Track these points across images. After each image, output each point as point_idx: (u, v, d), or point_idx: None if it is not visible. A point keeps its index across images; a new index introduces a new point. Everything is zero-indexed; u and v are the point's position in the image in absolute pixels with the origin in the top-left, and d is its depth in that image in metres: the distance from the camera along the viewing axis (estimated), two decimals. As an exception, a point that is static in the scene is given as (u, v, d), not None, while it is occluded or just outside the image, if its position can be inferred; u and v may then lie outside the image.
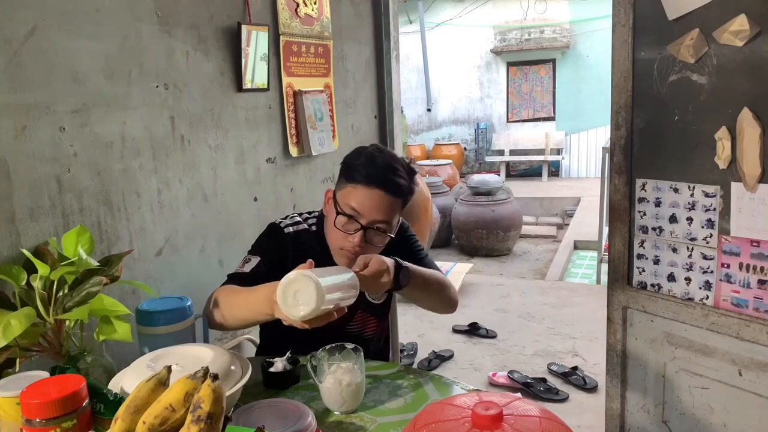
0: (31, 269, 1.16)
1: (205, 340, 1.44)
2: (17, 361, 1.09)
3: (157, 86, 1.65)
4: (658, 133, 1.62)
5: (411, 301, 1.48)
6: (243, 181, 2.01)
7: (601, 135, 9.54)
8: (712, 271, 1.56)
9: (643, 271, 1.73)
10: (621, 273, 1.77)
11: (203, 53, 1.80)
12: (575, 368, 2.99)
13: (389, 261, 1.27)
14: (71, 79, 1.41)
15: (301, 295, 1.04)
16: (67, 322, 1.13)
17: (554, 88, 10.21)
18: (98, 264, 1.23)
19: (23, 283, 1.16)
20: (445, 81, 10.84)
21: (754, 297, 1.49)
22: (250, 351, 1.91)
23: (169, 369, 0.86)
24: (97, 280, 1.17)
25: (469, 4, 10.22)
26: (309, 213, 1.53)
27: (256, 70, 2.00)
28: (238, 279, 1.36)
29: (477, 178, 6.29)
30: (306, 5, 2.25)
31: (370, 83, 2.80)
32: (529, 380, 2.89)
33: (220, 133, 1.89)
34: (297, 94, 2.23)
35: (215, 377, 0.77)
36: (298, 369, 1.29)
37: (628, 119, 1.68)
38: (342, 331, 1.47)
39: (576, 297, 4.17)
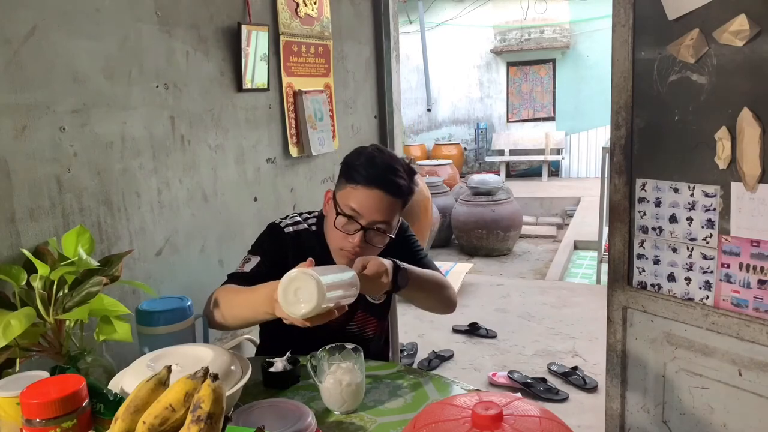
0: (31, 269, 1.16)
1: (205, 340, 1.44)
2: (17, 361, 1.09)
3: (157, 86, 1.65)
4: (658, 133, 1.62)
5: (410, 302, 1.48)
6: (243, 181, 2.01)
7: (601, 135, 9.54)
8: (712, 271, 1.56)
9: (643, 271, 1.73)
10: (621, 273, 1.77)
11: (203, 53, 1.80)
12: (575, 368, 2.99)
13: (387, 262, 1.27)
14: (71, 79, 1.41)
15: (302, 292, 1.04)
16: (67, 322, 1.13)
17: (554, 88, 10.21)
18: (98, 264, 1.23)
19: (23, 283, 1.16)
20: (445, 81, 10.84)
21: (754, 297, 1.49)
22: (250, 351, 1.91)
23: (169, 369, 0.86)
24: (97, 280, 1.17)
25: (469, 4, 10.22)
26: (309, 213, 1.53)
27: (256, 70, 2.00)
28: (238, 279, 1.36)
29: (477, 178, 6.29)
30: (306, 5, 2.25)
31: (370, 83, 2.80)
32: (529, 380, 2.89)
33: (220, 133, 1.89)
34: (297, 94, 2.23)
35: (215, 377, 0.77)
36: (298, 369, 1.29)
37: (628, 119, 1.68)
38: (342, 332, 1.47)
39: (576, 297, 4.17)
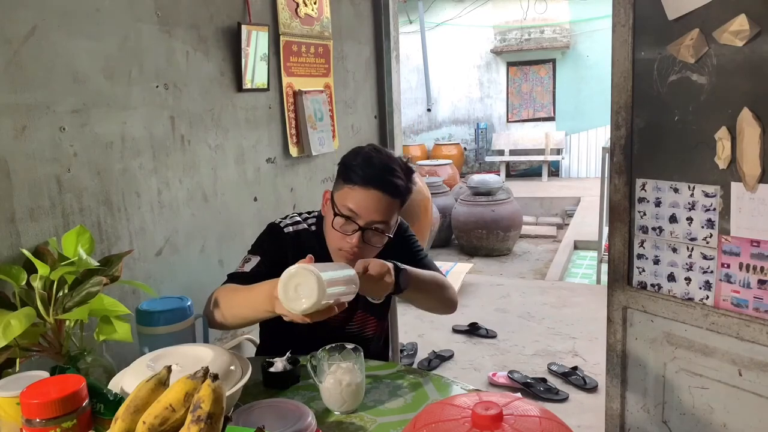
0: (31, 269, 1.16)
1: (205, 340, 1.44)
2: (17, 361, 1.09)
3: (157, 86, 1.65)
4: (658, 133, 1.62)
5: (411, 303, 1.48)
6: (243, 181, 2.01)
7: (601, 135, 9.54)
8: (712, 271, 1.56)
9: (643, 271, 1.73)
10: (621, 273, 1.77)
11: (203, 53, 1.80)
12: (575, 368, 2.99)
13: (389, 263, 1.27)
14: (71, 79, 1.41)
15: (303, 288, 1.04)
16: (67, 322, 1.13)
17: (554, 88, 10.21)
18: (98, 264, 1.23)
19: (23, 283, 1.16)
20: (445, 81, 10.84)
21: (754, 297, 1.49)
22: (250, 351, 1.92)
23: (169, 369, 0.86)
24: (97, 280, 1.17)
25: (469, 4, 10.22)
26: (308, 213, 1.53)
27: (256, 70, 2.00)
28: (238, 278, 1.36)
29: (477, 178, 6.29)
30: (306, 5, 2.25)
31: (370, 83, 2.80)
32: (529, 380, 2.89)
33: (220, 133, 1.89)
34: (297, 94, 2.23)
35: (215, 377, 0.77)
36: (298, 369, 1.29)
37: (628, 119, 1.68)
38: (342, 331, 1.47)
39: (576, 297, 4.17)
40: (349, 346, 1.21)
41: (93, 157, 1.47)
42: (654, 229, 1.68)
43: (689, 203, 1.58)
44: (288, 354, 1.30)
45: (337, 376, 1.14)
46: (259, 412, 1.05)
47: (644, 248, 1.71)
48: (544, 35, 10.02)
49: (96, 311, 1.11)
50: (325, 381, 1.14)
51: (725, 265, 1.53)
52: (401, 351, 3.31)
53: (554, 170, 10.19)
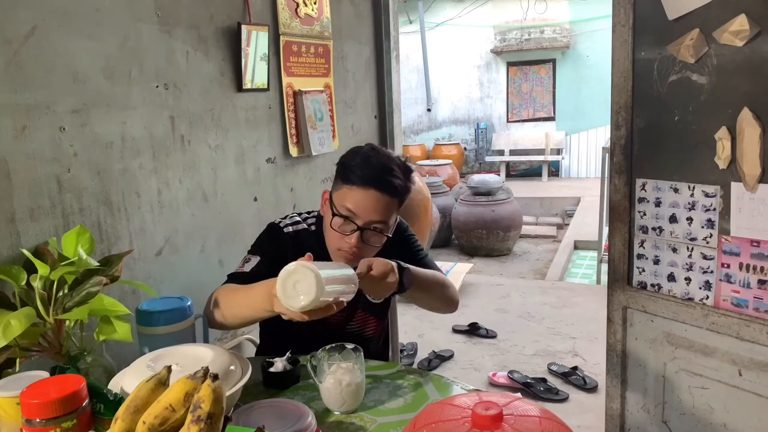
0: (31, 269, 1.16)
1: (205, 340, 1.44)
2: (17, 361, 1.09)
3: (157, 86, 1.65)
4: (658, 133, 1.62)
5: (413, 302, 1.47)
6: (243, 181, 2.01)
7: (601, 135, 9.53)
8: (712, 271, 1.56)
9: (643, 271, 1.73)
10: (621, 273, 1.77)
11: (203, 53, 1.80)
12: (575, 368, 2.99)
13: (392, 262, 1.27)
14: (71, 79, 1.41)
15: (301, 285, 1.04)
16: (67, 322, 1.13)
17: (554, 88, 10.21)
18: (98, 264, 1.23)
19: (23, 283, 1.16)
20: (445, 81, 10.84)
21: (754, 297, 1.49)
22: (250, 351, 1.92)
23: (169, 369, 0.86)
24: (97, 280, 1.17)
25: (469, 4, 10.22)
26: (308, 213, 1.53)
27: (256, 70, 2.00)
28: (238, 278, 1.36)
29: (477, 178, 6.29)
30: (306, 5, 2.25)
31: (370, 83, 2.80)
32: (529, 380, 2.89)
33: (220, 133, 1.89)
34: (297, 94, 2.23)
35: (215, 377, 0.77)
36: (298, 369, 1.29)
37: (628, 119, 1.68)
38: (342, 331, 1.47)
39: (576, 297, 4.17)
40: (349, 346, 1.21)
41: (93, 157, 1.47)
42: (654, 229, 1.68)
43: (689, 203, 1.58)
44: (288, 354, 1.30)
45: (337, 376, 1.14)
46: (259, 412, 1.05)
47: (644, 248, 1.71)
48: (544, 35, 10.01)
49: (96, 311, 1.11)
50: (325, 381, 1.14)
51: (725, 265, 1.53)
52: (401, 351, 3.31)
53: (554, 170, 10.18)
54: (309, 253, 1.13)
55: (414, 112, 11.02)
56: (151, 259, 1.65)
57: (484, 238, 6.03)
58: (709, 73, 1.48)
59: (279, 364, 1.27)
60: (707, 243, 1.56)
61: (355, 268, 1.21)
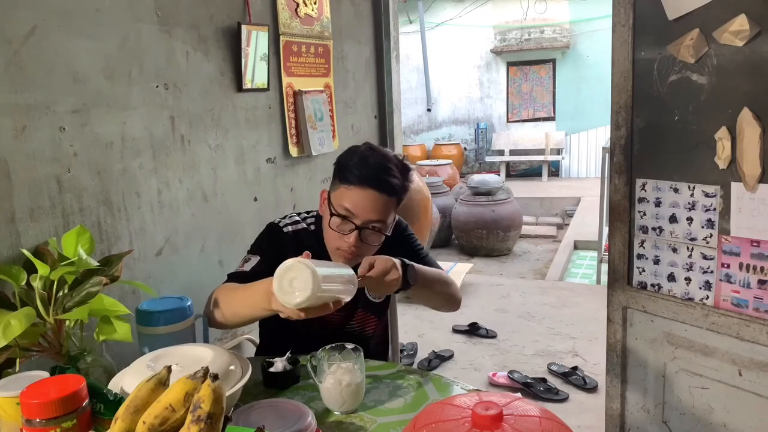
0: (31, 269, 1.16)
1: (205, 340, 1.44)
2: (17, 361, 1.09)
3: (157, 86, 1.65)
4: (658, 133, 1.62)
5: (416, 300, 1.47)
6: (243, 181, 2.01)
7: (601, 135, 9.53)
8: (712, 271, 1.56)
9: (643, 271, 1.73)
10: (621, 273, 1.77)
11: (203, 53, 1.80)
12: (575, 368, 2.99)
13: (395, 259, 1.27)
14: (71, 79, 1.41)
15: (297, 282, 1.04)
16: (67, 322, 1.13)
17: (554, 88, 10.21)
18: (98, 264, 1.23)
19: (23, 283, 1.16)
20: (445, 81, 10.84)
21: (754, 297, 1.49)
22: (250, 351, 1.92)
23: (169, 369, 0.86)
24: (97, 280, 1.17)
25: (469, 4, 10.22)
26: (307, 212, 1.53)
27: (256, 70, 2.00)
28: (238, 278, 1.36)
29: (477, 178, 6.29)
30: (306, 5, 2.25)
31: (370, 83, 2.80)
32: (529, 380, 2.89)
33: (220, 133, 1.89)
34: (297, 94, 2.23)
35: (215, 377, 0.77)
36: (298, 369, 1.29)
37: (628, 119, 1.68)
38: (342, 330, 1.47)
39: (576, 297, 4.17)
40: (349, 346, 1.21)
41: (93, 157, 1.47)
42: (654, 229, 1.68)
43: (689, 203, 1.58)
44: (288, 354, 1.30)
45: (337, 376, 1.14)
46: (259, 412, 1.05)
47: (644, 248, 1.71)
48: (544, 35, 10.01)
49: (96, 311, 1.11)
50: (325, 381, 1.14)
51: (725, 265, 1.53)
52: (401, 351, 3.31)
53: (554, 170, 10.18)
54: (307, 251, 1.13)
55: (414, 112, 11.02)
56: (151, 259, 1.65)
57: (484, 238, 6.03)
58: (709, 73, 1.48)
59: (279, 364, 1.27)
60: (707, 243, 1.56)
61: (357, 266, 1.21)
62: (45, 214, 1.35)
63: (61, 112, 1.38)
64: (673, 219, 1.62)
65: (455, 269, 4.40)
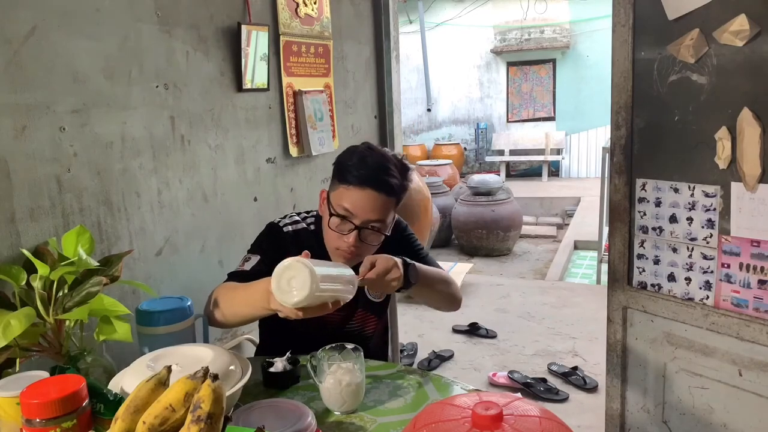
0: (31, 269, 1.16)
1: (205, 340, 1.44)
2: (17, 361, 1.09)
3: (157, 86, 1.65)
4: (658, 133, 1.62)
5: (417, 300, 1.48)
6: (243, 181, 2.01)
7: (601, 135, 9.53)
8: (712, 271, 1.56)
9: (643, 271, 1.73)
10: (621, 273, 1.77)
11: (203, 53, 1.80)
12: (575, 368, 2.99)
13: (396, 258, 1.27)
14: (71, 79, 1.41)
15: (296, 281, 1.04)
16: (67, 322, 1.13)
17: (554, 88, 10.21)
18: (98, 264, 1.23)
19: (23, 283, 1.16)
20: (445, 81, 10.84)
21: (754, 297, 1.49)
22: (250, 351, 1.92)
23: (169, 369, 0.86)
24: (97, 280, 1.17)
25: (469, 4, 10.22)
26: (307, 212, 1.53)
27: (256, 70, 2.00)
28: (238, 277, 1.36)
29: (477, 178, 6.29)
30: (306, 5, 2.25)
31: (370, 83, 2.80)
32: (529, 380, 2.89)
33: (220, 133, 1.89)
34: (297, 94, 2.23)
35: (215, 377, 0.77)
36: (298, 369, 1.29)
37: (628, 119, 1.68)
38: (342, 330, 1.48)
39: (576, 297, 4.17)
40: (349, 346, 1.21)
41: (93, 157, 1.47)
42: (654, 229, 1.68)
43: (689, 203, 1.58)
44: (288, 354, 1.30)
45: (337, 376, 1.14)
46: (259, 412, 1.05)
47: (644, 248, 1.71)
48: (544, 35, 10.01)
49: (96, 311, 1.11)
50: (325, 381, 1.14)
51: (725, 265, 1.53)
52: (401, 351, 3.31)
53: (554, 170, 10.18)
54: (306, 251, 1.13)
55: (414, 112, 11.02)
56: (151, 259, 1.65)
57: (484, 238, 6.03)
58: (709, 73, 1.48)
59: (279, 364, 1.27)
60: (707, 243, 1.56)
61: (358, 266, 1.21)
62: (45, 214, 1.35)
63: (61, 112, 1.38)
64: (673, 219, 1.62)
65: (455, 269, 4.40)
